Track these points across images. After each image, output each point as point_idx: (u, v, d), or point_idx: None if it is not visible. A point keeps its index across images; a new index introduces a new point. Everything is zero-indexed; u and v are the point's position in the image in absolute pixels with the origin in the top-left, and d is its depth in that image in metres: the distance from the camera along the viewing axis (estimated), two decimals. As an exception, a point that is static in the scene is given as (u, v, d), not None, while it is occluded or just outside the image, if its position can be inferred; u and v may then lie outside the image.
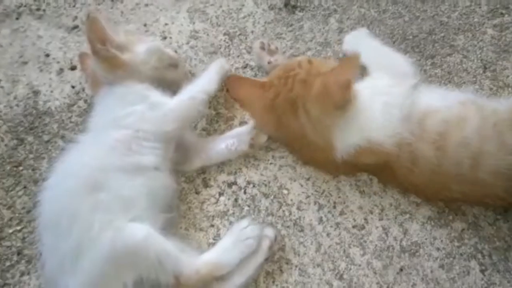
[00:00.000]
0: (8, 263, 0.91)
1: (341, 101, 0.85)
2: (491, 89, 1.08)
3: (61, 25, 1.21)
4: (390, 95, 0.89)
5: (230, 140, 0.99)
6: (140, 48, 0.96)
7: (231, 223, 0.94)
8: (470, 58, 1.12)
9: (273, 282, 0.89)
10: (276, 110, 0.90)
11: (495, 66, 1.11)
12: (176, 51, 1.08)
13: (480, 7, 1.20)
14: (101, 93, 0.93)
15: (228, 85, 1.01)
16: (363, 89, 0.89)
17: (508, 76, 1.09)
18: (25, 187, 0.98)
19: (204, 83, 0.95)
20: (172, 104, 0.90)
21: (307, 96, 0.87)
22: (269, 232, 0.89)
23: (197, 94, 0.93)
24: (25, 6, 1.24)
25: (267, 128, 0.98)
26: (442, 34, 1.16)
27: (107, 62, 0.91)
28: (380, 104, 0.87)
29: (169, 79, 0.98)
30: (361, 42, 1.07)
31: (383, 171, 0.92)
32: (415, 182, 0.89)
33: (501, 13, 1.18)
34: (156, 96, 0.91)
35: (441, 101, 0.89)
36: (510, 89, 1.07)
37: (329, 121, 0.86)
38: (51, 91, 1.11)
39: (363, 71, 1.01)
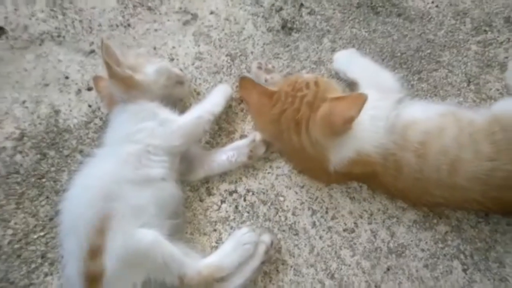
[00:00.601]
0: (33, 265, 1.01)
1: (342, 132, 0.93)
2: (474, 101, 1.16)
3: (79, 49, 1.32)
4: (376, 108, 0.97)
5: (231, 152, 1.09)
6: (150, 69, 1.06)
7: (232, 228, 1.03)
8: (455, 73, 1.20)
9: (270, 281, 0.97)
10: (280, 124, 0.99)
11: (479, 79, 1.19)
12: (182, 70, 1.19)
13: (464, 25, 1.28)
14: (115, 111, 1.04)
15: (240, 85, 1.08)
16: None
17: (490, 89, 1.17)
18: (47, 197, 1.09)
19: (211, 104, 1.05)
20: (180, 122, 1.00)
21: (311, 119, 0.95)
22: (266, 238, 0.97)
23: (204, 114, 1.03)
24: (47, 33, 1.36)
25: (266, 135, 1.07)
26: (429, 51, 1.24)
27: (123, 82, 1.02)
28: (367, 118, 0.95)
29: (176, 95, 1.09)
30: (350, 60, 1.16)
31: (371, 179, 1.01)
32: (400, 188, 0.97)
33: (485, 30, 1.26)
34: (166, 113, 1.01)
35: (422, 113, 0.98)
36: (492, 101, 1.15)
37: (327, 142, 0.95)
38: (70, 110, 1.22)
39: (353, 87, 1.10)
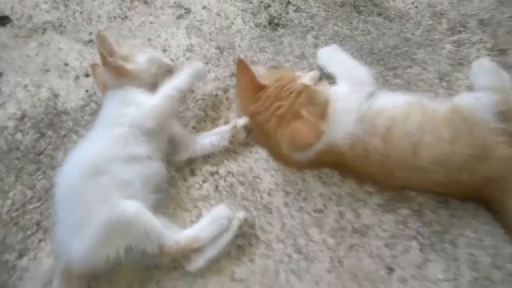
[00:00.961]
0: (29, 232, 1.11)
1: (305, 151, 1.02)
2: (444, 97, 1.23)
3: (79, 39, 1.42)
4: (348, 101, 1.06)
5: (214, 137, 1.18)
6: (142, 59, 1.15)
7: (211, 205, 1.12)
8: (428, 70, 1.28)
9: (243, 254, 1.06)
10: (255, 120, 1.07)
11: (450, 77, 1.27)
12: (173, 61, 1.28)
13: (441, 25, 1.36)
14: (106, 96, 1.13)
15: (237, 65, 1.14)
16: None
17: (460, 86, 1.25)
18: (44, 172, 1.19)
19: (176, 82, 1.11)
20: (150, 104, 1.08)
21: (278, 132, 1.04)
22: (240, 214, 1.06)
23: (171, 92, 1.09)
24: (49, 23, 1.46)
25: (245, 114, 1.14)
26: (405, 49, 1.32)
27: (115, 71, 1.11)
28: (338, 111, 1.04)
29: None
30: (331, 56, 1.24)
31: (340, 165, 1.10)
32: (368, 172, 1.06)
33: (459, 31, 1.34)
34: (144, 97, 1.10)
35: (391, 102, 1.06)
36: (461, 96, 1.23)
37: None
38: (68, 94, 1.32)
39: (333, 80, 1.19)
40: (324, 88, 1.04)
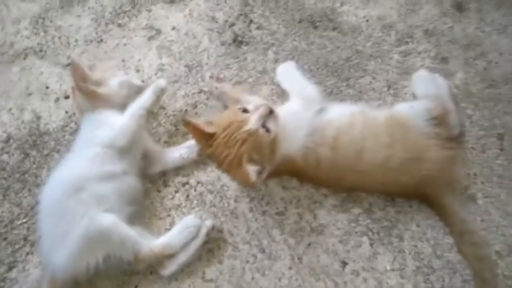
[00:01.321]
0: (17, 246, 1.21)
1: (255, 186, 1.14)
2: (392, 103, 1.35)
3: (58, 63, 1.53)
4: (299, 119, 1.17)
5: (183, 150, 1.29)
6: (113, 82, 1.26)
7: (183, 213, 1.24)
8: (378, 79, 1.40)
9: (212, 256, 1.18)
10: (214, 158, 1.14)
11: (397, 85, 1.39)
12: (143, 81, 1.38)
13: (390, 37, 1.48)
14: (82, 120, 1.24)
15: (185, 126, 1.19)
16: (280, 114, 1.16)
17: (406, 93, 1.37)
18: (29, 189, 1.29)
19: (141, 101, 1.21)
20: (119, 124, 1.18)
21: (231, 173, 1.15)
22: (208, 223, 1.17)
23: (136, 111, 1.19)
24: (30, 48, 1.57)
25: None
26: (357, 60, 1.44)
27: (88, 95, 1.22)
28: (291, 127, 1.15)
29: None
30: (286, 74, 1.36)
31: (297, 173, 1.21)
32: (320, 177, 1.18)
33: (406, 42, 1.46)
34: (114, 118, 1.20)
35: (337, 114, 1.19)
36: (407, 102, 1.35)
37: None
38: (50, 116, 1.42)
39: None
40: (271, 125, 1.10)
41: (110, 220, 1.08)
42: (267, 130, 1.09)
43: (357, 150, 1.12)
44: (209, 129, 1.12)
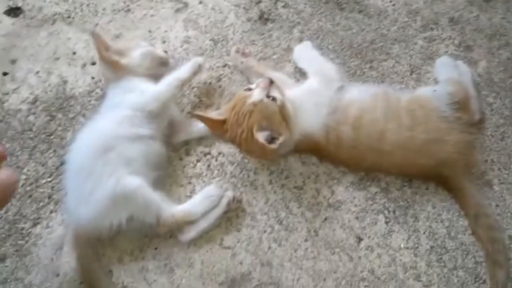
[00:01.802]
0: (41, 204, 1.25)
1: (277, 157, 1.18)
2: (414, 88, 1.37)
3: (86, 29, 1.55)
4: (320, 96, 1.19)
5: None
6: (136, 53, 1.27)
7: (204, 182, 1.27)
8: (401, 63, 1.42)
9: (231, 224, 1.21)
10: (236, 142, 1.16)
11: (420, 70, 1.40)
12: (166, 51, 1.38)
13: (415, 22, 1.49)
14: (109, 86, 1.27)
15: (194, 117, 1.24)
16: (300, 92, 1.19)
17: (429, 78, 1.39)
18: (55, 150, 1.32)
19: (179, 73, 1.25)
20: (153, 90, 1.22)
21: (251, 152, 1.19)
22: (229, 193, 1.20)
23: (172, 81, 1.23)
24: (59, 14, 1.59)
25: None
26: (381, 44, 1.45)
27: (111, 65, 1.24)
28: (311, 104, 1.18)
29: (160, 74, 1.29)
30: (303, 52, 1.38)
31: (316, 151, 1.23)
32: (340, 157, 1.20)
33: (431, 28, 1.48)
34: (145, 85, 1.23)
35: (360, 95, 1.20)
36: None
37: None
38: (76, 81, 1.45)
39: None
40: (276, 93, 1.13)
41: (136, 183, 1.11)
42: (273, 99, 1.11)
43: (379, 131, 1.14)
44: (220, 117, 1.15)
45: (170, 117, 1.28)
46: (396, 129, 1.13)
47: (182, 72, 1.26)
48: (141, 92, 1.22)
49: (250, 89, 1.16)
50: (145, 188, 1.12)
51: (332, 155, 1.21)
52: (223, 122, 1.14)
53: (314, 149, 1.23)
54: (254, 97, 1.11)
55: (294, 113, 1.15)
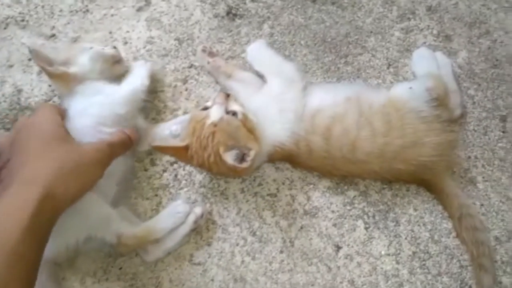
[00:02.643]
0: None
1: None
2: (391, 82, 1.29)
3: (41, 33, 1.44)
4: (283, 101, 1.10)
5: (174, 127, 1.22)
6: (83, 59, 1.15)
7: (171, 193, 1.18)
8: (378, 57, 1.34)
9: (201, 238, 1.13)
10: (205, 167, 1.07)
11: (398, 63, 1.33)
12: (115, 47, 1.24)
13: (391, 13, 1.41)
14: (66, 99, 1.13)
15: (156, 150, 1.18)
16: (261, 98, 1.10)
17: (407, 72, 1.31)
18: (10, 166, 1.23)
19: (140, 78, 1.17)
20: (121, 91, 1.12)
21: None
22: (197, 210, 1.10)
23: (138, 85, 1.15)
24: (12, 17, 1.48)
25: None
26: (356, 37, 1.37)
27: (60, 79, 1.13)
28: (275, 111, 1.09)
29: (116, 73, 1.19)
30: (257, 53, 1.27)
31: (292, 160, 1.15)
32: (312, 166, 1.13)
33: (408, 18, 1.40)
34: (109, 87, 1.13)
35: (328, 101, 1.12)
36: (407, 81, 1.29)
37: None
38: (32, 89, 1.35)
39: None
40: (235, 107, 1.05)
41: (92, 199, 1.02)
42: (234, 114, 1.03)
43: (352, 140, 1.06)
44: (181, 143, 1.07)
45: (134, 124, 1.19)
46: (370, 137, 1.05)
47: (143, 76, 1.18)
48: (107, 95, 1.11)
49: (206, 108, 1.07)
50: (101, 205, 1.03)
51: (303, 163, 1.14)
52: (186, 148, 1.06)
53: (288, 158, 1.15)
54: (213, 116, 1.02)
55: (259, 123, 1.07)
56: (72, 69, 1.13)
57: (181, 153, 1.07)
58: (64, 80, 1.13)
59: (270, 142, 1.08)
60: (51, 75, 1.13)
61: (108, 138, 1.01)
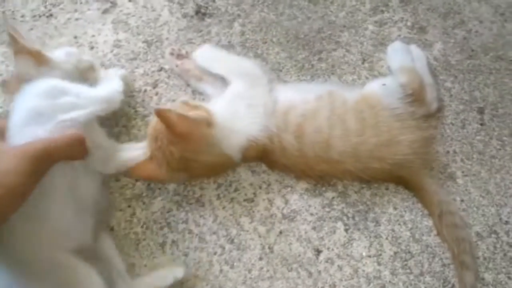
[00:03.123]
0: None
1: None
2: (367, 78, 1.26)
3: (3, 41, 1.38)
4: (250, 98, 1.07)
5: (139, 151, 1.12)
6: (59, 52, 1.08)
7: (144, 203, 1.14)
8: (352, 52, 1.31)
9: (177, 248, 1.10)
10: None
11: (372, 58, 1.30)
12: (91, 56, 1.24)
13: (364, 6, 1.38)
14: (18, 94, 0.95)
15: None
16: (226, 100, 1.07)
17: (382, 66, 1.28)
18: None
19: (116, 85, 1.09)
20: (95, 93, 1.02)
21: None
22: (178, 272, 1.04)
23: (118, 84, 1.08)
24: (-29, 25, 1.42)
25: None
26: (330, 32, 1.34)
27: (33, 56, 0.99)
28: (244, 108, 1.05)
29: (89, 80, 1.09)
30: (210, 57, 1.20)
31: (265, 158, 1.12)
32: (287, 164, 1.09)
33: (381, 11, 1.36)
34: (79, 87, 0.99)
35: (300, 98, 1.08)
36: (382, 76, 1.26)
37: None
38: (-4, 102, 1.29)
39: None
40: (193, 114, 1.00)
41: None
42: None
43: (324, 139, 1.03)
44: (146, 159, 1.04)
45: (94, 142, 0.99)
46: (343, 136, 1.02)
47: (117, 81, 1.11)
48: (77, 95, 0.96)
49: None
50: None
51: (277, 161, 1.10)
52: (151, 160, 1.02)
53: (264, 155, 1.11)
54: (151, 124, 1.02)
55: (230, 122, 1.03)
56: (47, 54, 1.03)
57: (152, 171, 1.03)
58: (36, 59, 1.00)
59: (242, 136, 1.04)
60: (24, 50, 0.99)
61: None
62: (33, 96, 0.94)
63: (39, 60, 1.01)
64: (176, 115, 0.93)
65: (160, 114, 0.92)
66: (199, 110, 1.01)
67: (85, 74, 1.12)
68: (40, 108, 0.91)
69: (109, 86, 1.08)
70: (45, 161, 0.81)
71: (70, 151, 0.86)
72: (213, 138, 1.00)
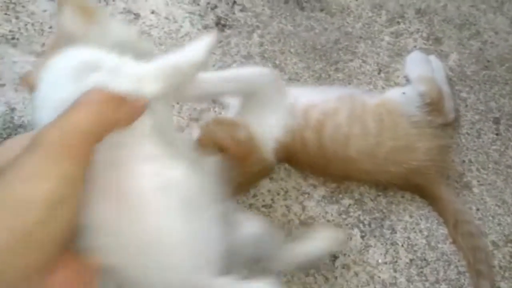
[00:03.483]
0: None
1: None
2: (383, 88, 1.29)
3: (32, 51, 1.44)
4: (271, 103, 1.09)
5: None
6: (118, 22, 1.07)
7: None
8: (368, 62, 1.34)
9: (197, 252, 1.13)
10: None
11: (389, 68, 1.32)
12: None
13: (380, 17, 1.41)
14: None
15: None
16: (247, 109, 1.08)
17: (398, 77, 1.31)
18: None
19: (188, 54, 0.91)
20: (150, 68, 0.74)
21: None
22: None
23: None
24: (2, 36, 1.48)
25: None
26: (346, 43, 1.37)
27: (83, 11, 0.94)
28: (269, 113, 1.08)
29: (141, 51, 1.07)
30: (218, 77, 1.05)
31: (289, 157, 1.13)
32: (309, 162, 1.12)
33: (398, 22, 1.39)
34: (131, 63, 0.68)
35: (321, 98, 1.11)
36: (399, 87, 1.28)
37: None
38: (25, 108, 1.35)
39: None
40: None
41: None
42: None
43: (344, 136, 1.05)
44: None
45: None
46: (362, 135, 1.05)
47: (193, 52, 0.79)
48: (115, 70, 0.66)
49: None
50: None
51: (301, 160, 1.12)
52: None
53: (287, 154, 1.12)
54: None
55: (261, 128, 1.05)
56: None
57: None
58: (85, 16, 0.77)
59: (271, 139, 1.07)
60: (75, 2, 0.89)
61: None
62: (59, 78, 0.66)
63: (89, 17, 0.78)
64: (233, 142, 0.96)
65: (214, 142, 0.94)
66: (237, 126, 1.03)
67: (137, 43, 1.05)
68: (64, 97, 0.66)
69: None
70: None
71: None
72: (257, 148, 1.04)
